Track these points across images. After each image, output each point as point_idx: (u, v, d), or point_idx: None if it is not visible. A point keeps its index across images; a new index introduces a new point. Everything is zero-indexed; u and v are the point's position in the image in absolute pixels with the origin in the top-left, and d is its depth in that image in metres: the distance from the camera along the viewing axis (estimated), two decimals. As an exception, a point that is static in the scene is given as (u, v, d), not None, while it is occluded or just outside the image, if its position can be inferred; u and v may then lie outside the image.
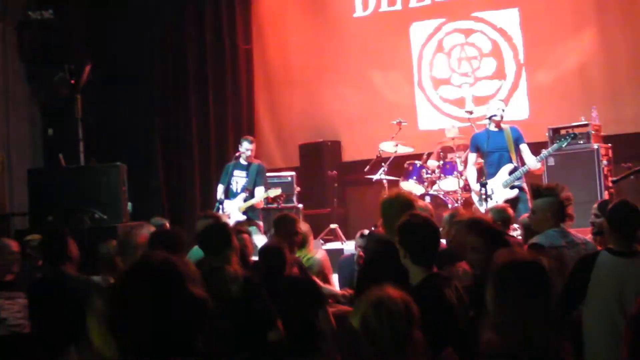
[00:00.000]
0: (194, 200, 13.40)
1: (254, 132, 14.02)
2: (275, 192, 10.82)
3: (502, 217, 7.14)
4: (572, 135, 9.86)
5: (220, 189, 10.89)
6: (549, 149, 9.87)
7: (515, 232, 10.69)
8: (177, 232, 5.95)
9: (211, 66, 14.01)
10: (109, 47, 13.03)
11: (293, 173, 12.92)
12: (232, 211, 10.56)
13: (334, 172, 13.51)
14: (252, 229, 9.67)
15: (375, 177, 11.80)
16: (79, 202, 10.07)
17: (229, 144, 13.62)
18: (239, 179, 10.86)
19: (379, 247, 5.60)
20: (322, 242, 11.79)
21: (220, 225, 5.82)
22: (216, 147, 13.81)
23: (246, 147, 10.90)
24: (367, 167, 12.02)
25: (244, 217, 10.48)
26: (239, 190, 10.80)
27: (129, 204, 10.85)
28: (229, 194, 10.84)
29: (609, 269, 4.84)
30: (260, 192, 10.72)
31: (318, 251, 8.12)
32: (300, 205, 12.28)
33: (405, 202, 5.28)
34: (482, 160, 10.28)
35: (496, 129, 9.85)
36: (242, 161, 10.92)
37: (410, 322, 3.39)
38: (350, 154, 13.95)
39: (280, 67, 14.61)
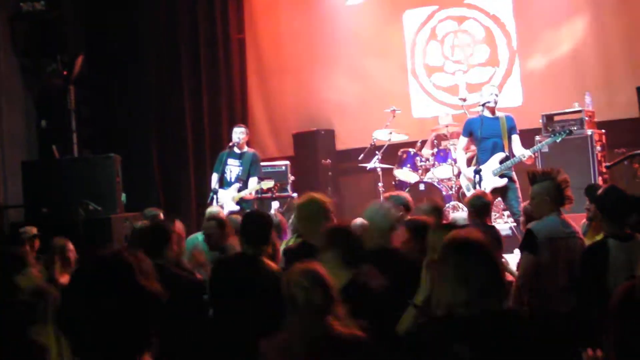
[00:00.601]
0: (189, 189, 13.39)
1: (248, 122, 14.01)
2: (268, 184, 10.76)
3: (481, 202, 7.20)
4: (567, 131, 9.79)
5: (215, 177, 10.83)
6: (544, 142, 9.83)
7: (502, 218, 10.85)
8: (157, 227, 6.00)
9: (204, 56, 13.97)
10: (101, 38, 12.99)
11: (287, 162, 12.92)
12: (226, 201, 10.52)
13: (328, 160, 13.51)
14: None
15: (369, 165, 11.81)
16: (73, 194, 10.10)
17: (222, 133, 13.60)
18: (232, 168, 10.82)
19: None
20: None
21: (157, 226, 6.06)
22: (210, 137, 13.79)
23: (238, 134, 10.88)
24: (361, 155, 12.04)
25: (237, 208, 10.46)
26: (232, 180, 10.77)
27: (123, 195, 10.88)
28: (223, 182, 10.79)
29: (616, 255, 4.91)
30: (253, 183, 10.68)
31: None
32: (295, 194, 12.27)
33: (319, 207, 5.54)
34: (474, 146, 10.26)
35: (491, 116, 9.79)
36: (236, 149, 10.87)
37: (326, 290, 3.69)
38: (344, 143, 13.94)
39: (273, 56, 14.57)
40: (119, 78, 13.08)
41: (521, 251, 5.75)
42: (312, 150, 13.68)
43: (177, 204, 12.90)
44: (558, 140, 9.68)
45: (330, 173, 13.48)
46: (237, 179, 10.74)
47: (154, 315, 2.35)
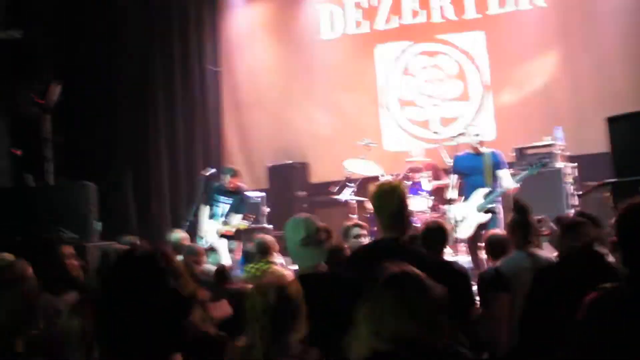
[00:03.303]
0: (164, 218, 13.38)
1: (223, 154, 14.12)
2: (242, 225, 10.81)
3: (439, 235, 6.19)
4: (543, 162, 9.85)
5: (206, 210, 11.02)
6: (522, 174, 9.84)
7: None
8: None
9: (180, 88, 14.06)
10: (77, 67, 12.96)
11: (263, 194, 12.98)
12: (209, 231, 10.72)
13: (303, 192, 13.59)
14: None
15: (342, 197, 11.86)
16: (47, 222, 10.06)
17: (197, 165, 13.64)
18: (224, 205, 10.95)
19: None
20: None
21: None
22: (185, 168, 13.83)
23: (224, 178, 11.03)
24: (336, 187, 12.08)
25: (219, 240, 10.65)
26: (221, 215, 10.90)
27: (98, 223, 10.84)
28: (213, 215, 10.95)
29: None
30: (234, 221, 10.79)
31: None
32: (270, 226, 12.29)
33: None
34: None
35: (474, 153, 9.87)
36: (227, 187, 11.00)
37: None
38: (318, 176, 14.02)
39: (248, 88, 14.69)
40: (95, 108, 13.07)
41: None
42: (287, 182, 13.75)
43: (151, 233, 12.86)
44: (535, 173, 9.75)
45: (304, 205, 13.53)
46: (226, 216, 10.88)
47: (185, 316, 2.41)
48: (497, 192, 9.61)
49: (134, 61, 13.79)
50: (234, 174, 11.06)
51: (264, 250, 7.53)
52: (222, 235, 10.74)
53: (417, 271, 3.13)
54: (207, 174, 11.44)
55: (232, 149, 14.59)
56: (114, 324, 2.35)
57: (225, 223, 10.76)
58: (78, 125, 12.95)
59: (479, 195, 9.64)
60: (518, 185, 9.64)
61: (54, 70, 12.30)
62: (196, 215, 11.06)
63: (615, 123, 8.45)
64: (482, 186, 9.68)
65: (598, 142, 10.63)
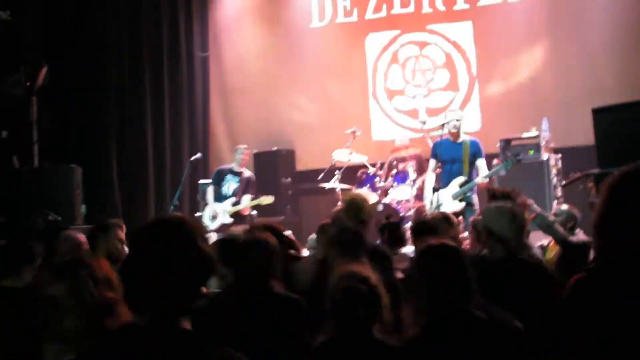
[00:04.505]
0: (148, 202, 13.37)
1: (209, 139, 14.13)
2: (267, 199, 11.35)
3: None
4: (514, 160, 9.82)
5: (211, 190, 11.49)
6: (492, 170, 9.81)
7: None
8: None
9: (167, 72, 14.03)
10: (64, 50, 12.93)
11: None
12: (220, 213, 11.09)
13: (288, 179, 13.61)
14: None
15: (328, 185, 11.89)
16: (32, 204, 10.08)
17: (184, 150, 13.70)
18: (231, 184, 11.33)
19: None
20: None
21: None
22: (171, 152, 13.81)
23: (240, 155, 11.50)
24: (321, 175, 12.10)
25: (230, 220, 10.97)
26: (229, 194, 11.28)
27: (83, 206, 10.85)
28: (219, 196, 11.31)
29: None
30: (246, 200, 11.17)
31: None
32: (255, 212, 12.31)
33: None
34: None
35: (453, 140, 9.87)
36: (236, 168, 11.44)
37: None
38: (304, 163, 14.04)
39: (236, 74, 14.70)
40: (82, 91, 13.03)
41: None
42: (273, 169, 13.74)
43: (136, 216, 12.85)
44: (502, 172, 9.78)
45: (290, 192, 13.57)
46: (234, 195, 11.22)
47: (206, 276, 2.52)
48: (472, 183, 9.63)
49: (122, 45, 13.74)
50: (244, 153, 11.52)
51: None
52: (232, 215, 11.08)
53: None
54: (194, 158, 11.54)
55: (219, 134, 14.61)
56: (142, 280, 2.43)
57: (235, 203, 11.09)
58: (65, 109, 12.92)
59: (454, 184, 9.67)
60: (487, 180, 9.68)
61: (41, 53, 12.26)
62: (180, 200, 11.21)
63: (600, 114, 8.50)
64: (460, 174, 9.70)
65: (584, 134, 10.70)
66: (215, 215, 11.06)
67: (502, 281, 4.43)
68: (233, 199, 11.18)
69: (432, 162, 10.13)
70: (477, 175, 9.70)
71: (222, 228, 10.71)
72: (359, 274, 3.64)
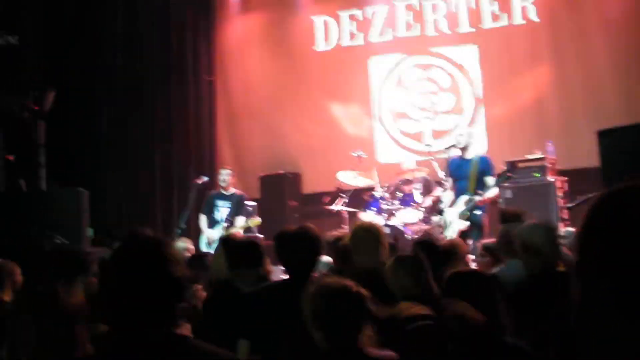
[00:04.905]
0: (156, 226, 13.36)
1: (215, 162, 14.16)
2: (255, 221, 11.23)
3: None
4: (506, 176, 9.77)
5: (203, 219, 11.29)
6: (485, 189, 9.73)
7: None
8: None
9: (175, 96, 14.10)
10: (73, 74, 13.01)
11: (255, 204, 13.01)
12: (214, 240, 10.78)
13: (295, 202, 13.63)
14: None
15: (334, 207, 11.89)
16: (39, 227, 10.07)
17: (190, 174, 13.68)
18: (222, 209, 11.20)
19: None
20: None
21: None
22: (178, 177, 13.86)
23: (224, 176, 11.34)
24: (328, 198, 12.11)
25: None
26: (222, 220, 11.13)
27: (90, 229, 10.86)
28: (214, 222, 11.17)
29: None
30: (240, 222, 11.06)
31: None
32: (261, 236, 12.31)
33: None
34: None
35: (461, 157, 9.91)
36: (224, 191, 11.30)
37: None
38: (310, 186, 14.05)
39: (242, 98, 14.76)
40: (90, 114, 13.10)
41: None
42: (279, 193, 13.75)
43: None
44: (494, 189, 9.70)
45: (296, 215, 13.56)
46: (226, 219, 11.09)
47: (178, 298, 2.57)
48: (474, 200, 9.55)
49: (130, 69, 13.83)
50: (232, 175, 11.41)
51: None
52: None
53: None
54: (200, 182, 11.53)
55: (225, 158, 14.60)
56: (117, 300, 2.52)
57: (228, 227, 10.92)
58: (72, 132, 12.97)
59: (461, 202, 9.67)
60: (485, 197, 9.61)
61: (50, 77, 12.32)
62: (187, 224, 11.20)
63: (605, 136, 8.53)
64: (465, 192, 9.69)
65: (589, 156, 10.72)
66: (211, 242, 10.84)
67: (541, 294, 4.45)
68: (224, 225, 11.05)
69: (449, 181, 10.13)
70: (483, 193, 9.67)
71: None
72: (338, 283, 3.53)
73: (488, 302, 3.56)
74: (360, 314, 3.42)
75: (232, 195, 11.30)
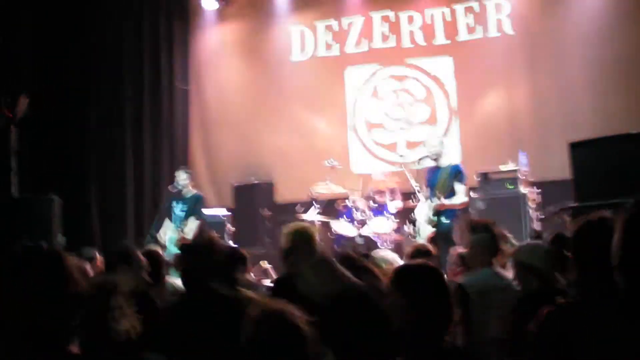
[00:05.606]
0: (127, 233, 13.32)
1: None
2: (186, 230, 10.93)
3: None
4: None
5: (167, 222, 11.15)
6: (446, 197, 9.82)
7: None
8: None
9: (148, 104, 14.06)
10: (47, 80, 12.93)
11: (228, 213, 13.01)
12: (169, 245, 10.73)
13: (268, 212, 13.61)
14: None
15: (306, 217, 11.89)
16: (10, 234, 10.00)
17: (163, 182, 13.63)
18: (177, 212, 11.11)
19: None
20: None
21: None
22: (151, 184, 13.82)
23: (180, 181, 11.18)
24: (301, 207, 12.12)
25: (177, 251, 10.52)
26: (177, 223, 11.02)
27: (62, 236, 10.79)
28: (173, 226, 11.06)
29: None
30: (191, 224, 10.93)
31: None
32: (235, 245, 12.27)
33: None
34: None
35: (435, 166, 10.05)
36: (182, 193, 11.17)
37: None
38: (283, 196, 14.05)
39: (216, 107, 14.77)
40: (62, 122, 13.02)
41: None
42: (252, 202, 13.74)
43: (115, 247, 12.77)
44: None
45: (269, 224, 13.55)
46: (180, 222, 10.98)
47: (76, 311, 2.53)
48: (433, 203, 9.73)
49: (104, 77, 13.77)
50: (190, 174, 11.39)
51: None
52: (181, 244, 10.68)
53: None
54: (173, 190, 11.46)
55: (199, 167, 14.57)
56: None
57: (181, 231, 10.84)
58: (45, 139, 12.89)
59: (429, 209, 9.78)
60: (442, 203, 9.72)
61: (23, 83, 12.25)
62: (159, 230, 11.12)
63: (577, 149, 8.55)
64: (434, 198, 9.81)
65: (561, 168, 10.78)
66: (164, 246, 10.52)
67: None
68: (175, 228, 10.96)
69: (426, 190, 10.20)
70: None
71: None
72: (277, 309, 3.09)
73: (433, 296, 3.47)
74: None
75: (190, 197, 11.19)
